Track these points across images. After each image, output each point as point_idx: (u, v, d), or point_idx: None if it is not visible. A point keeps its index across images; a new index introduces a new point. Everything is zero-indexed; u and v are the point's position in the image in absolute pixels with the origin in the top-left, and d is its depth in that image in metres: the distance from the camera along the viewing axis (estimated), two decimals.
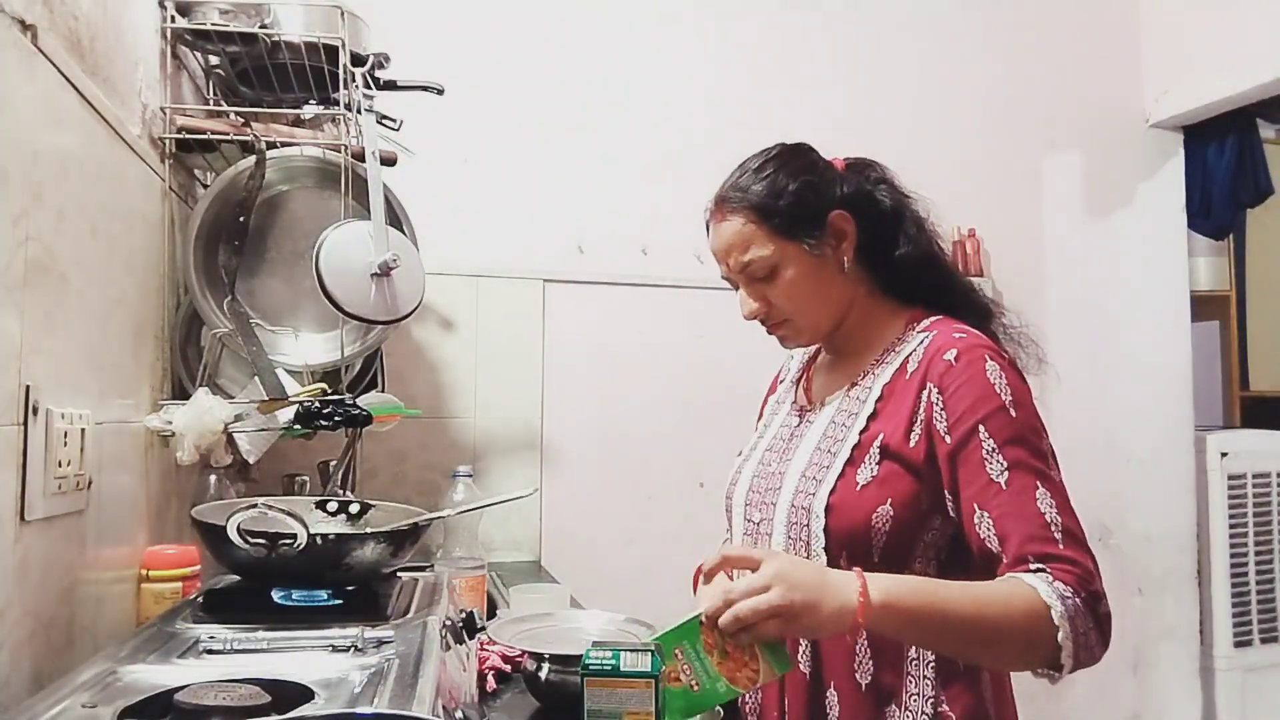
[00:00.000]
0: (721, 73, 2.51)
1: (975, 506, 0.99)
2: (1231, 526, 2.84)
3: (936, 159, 2.60)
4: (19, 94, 0.92)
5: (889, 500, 1.03)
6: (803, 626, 0.90)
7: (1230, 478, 2.85)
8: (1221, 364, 3.35)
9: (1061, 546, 0.96)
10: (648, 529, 2.37)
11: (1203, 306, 3.13)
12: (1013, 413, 1.01)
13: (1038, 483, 0.99)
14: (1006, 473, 0.99)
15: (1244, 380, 3.35)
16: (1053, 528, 0.97)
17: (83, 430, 1.06)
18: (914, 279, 1.15)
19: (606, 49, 2.44)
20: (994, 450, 0.99)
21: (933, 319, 1.12)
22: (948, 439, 1.01)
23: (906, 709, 1.03)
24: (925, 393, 1.04)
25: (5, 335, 0.89)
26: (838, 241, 1.12)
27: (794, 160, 1.14)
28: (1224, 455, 2.85)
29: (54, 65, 1.01)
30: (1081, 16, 2.84)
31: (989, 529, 0.98)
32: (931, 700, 1.03)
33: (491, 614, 1.57)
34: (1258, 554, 2.87)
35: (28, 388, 0.93)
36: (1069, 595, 0.93)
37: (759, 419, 1.33)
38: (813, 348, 1.28)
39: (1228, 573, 2.82)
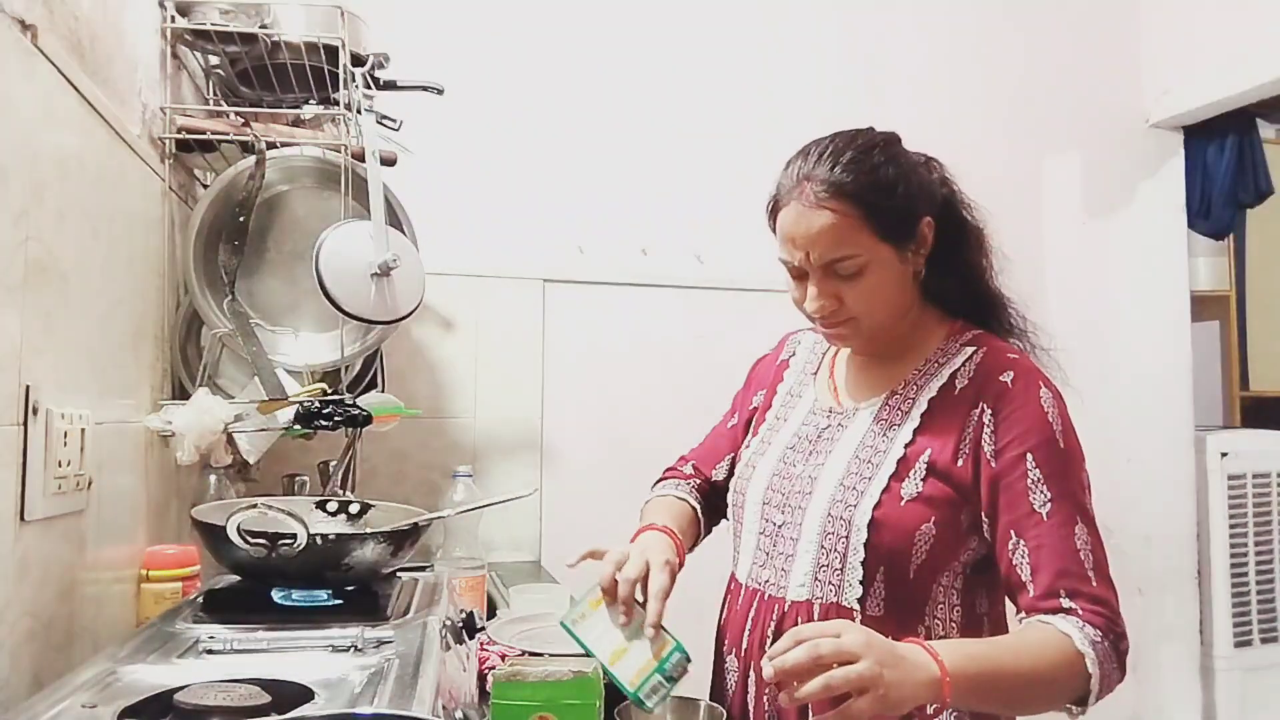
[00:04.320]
0: (722, 73, 2.51)
1: (1012, 533, 0.99)
2: (1231, 526, 2.84)
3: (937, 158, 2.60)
4: (19, 94, 0.92)
5: (932, 519, 1.01)
6: (891, 701, 0.84)
7: (1230, 478, 2.85)
8: (1221, 364, 3.35)
9: (1094, 584, 0.98)
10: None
11: (1203, 306, 3.12)
12: (1061, 444, 1.01)
13: (1078, 518, 0.99)
14: (1049, 504, 0.98)
15: (1244, 380, 3.35)
16: (1086, 565, 0.98)
17: (83, 430, 1.06)
18: (966, 294, 1.13)
19: (607, 49, 2.44)
20: (1039, 481, 0.99)
21: (975, 333, 1.11)
22: (994, 463, 1.01)
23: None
24: (976, 412, 1.03)
25: (5, 335, 0.89)
26: (918, 248, 1.07)
27: (900, 155, 1.07)
28: (1224, 455, 2.85)
29: (54, 65, 1.01)
30: (1081, 16, 2.84)
31: (1023, 558, 0.98)
32: (952, 712, 1.02)
33: (491, 614, 1.57)
34: (1258, 554, 2.87)
35: (28, 388, 0.93)
36: (1099, 640, 0.95)
37: (752, 399, 1.27)
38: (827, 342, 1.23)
39: (1228, 573, 2.82)
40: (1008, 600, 1.06)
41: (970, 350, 1.08)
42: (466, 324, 2.29)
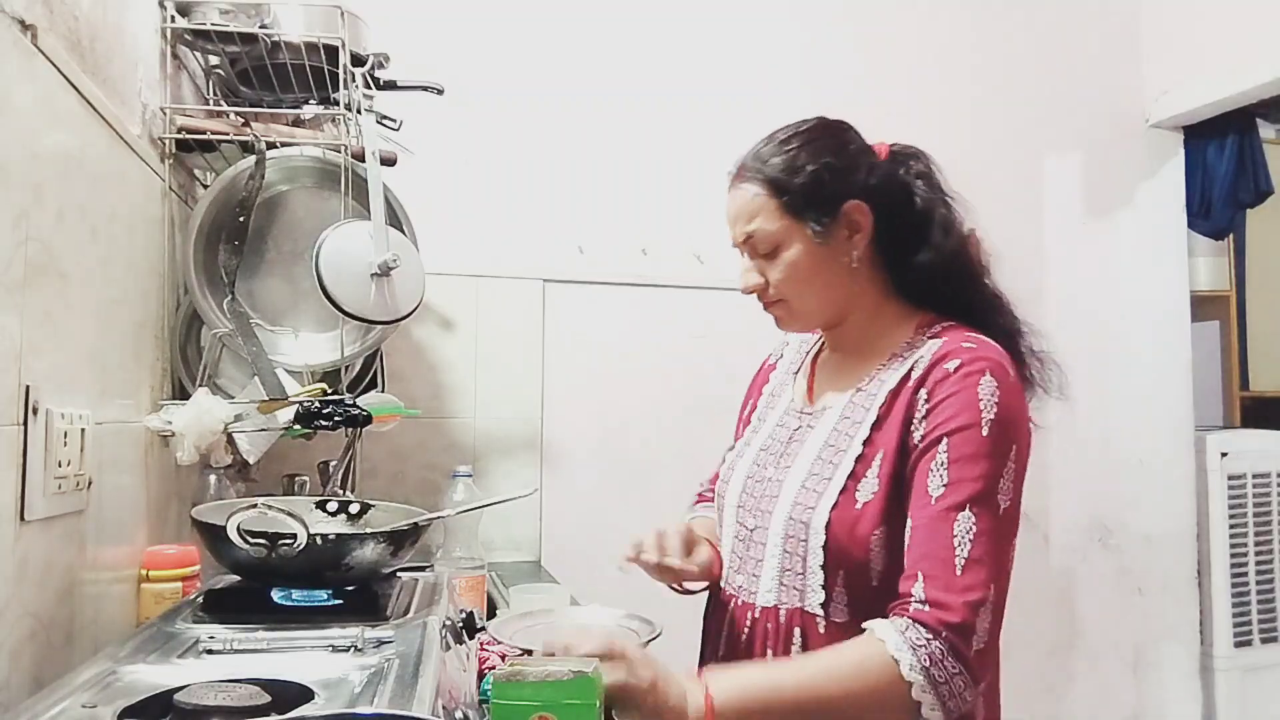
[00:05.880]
0: (721, 72, 2.51)
1: (910, 517, 0.96)
2: (1231, 526, 2.84)
3: (936, 158, 2.60)
4: (19, 94, 0.92)
5: (887, 521, 0.98)
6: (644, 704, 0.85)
7: (1230, 478, 2.85)
8: (1221, 364, 3.35)
9: (956, 573, 0.90)
10: (648, 529, 2.36)
11: (1203, 306, 3.12)
12: (984, 431, 0.95)
13: (968, 506, 0.93)
14: (943, 489, 0.94)
15: (1244, 380, 3.35)
16: (956, 552, 0.91)
17: (83, 430, 1.06)
18: (931, 287, 1.10)
19: (607, 49, 2.44)
20: (943, 465, 0.95)
21: (944, 325, 1.07)
22: (919, 447, 0.98)
23: None
24: (916, 399, 1.00)
25: (5, 335, 0.89)
26: (850, 233, 1.07)
27: (822, 138, 1.09)
28: (1224, 455, 2.85)
29: (54, 65, 1.01)
30: (1081, 16, 2.84)
31: (907, 541, 0.96)
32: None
33: (491, 614, 1.57)
34: (1258, 554, 2.87)
35: (28, 388, 0.93)
36: (923, 643, 0.88)
37: (747, 406, 1.28)
38: (814, 338, 1.23)
39: (1228, 573, 2.82)
40: None
41: (935, 343, 1.04)
42: (466, 324, 2.30)
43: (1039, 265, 2.75)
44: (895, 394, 1.03)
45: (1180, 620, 2.81)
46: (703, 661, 1.18)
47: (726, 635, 1.12)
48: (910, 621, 0.90)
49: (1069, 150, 2.82)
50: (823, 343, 1.21)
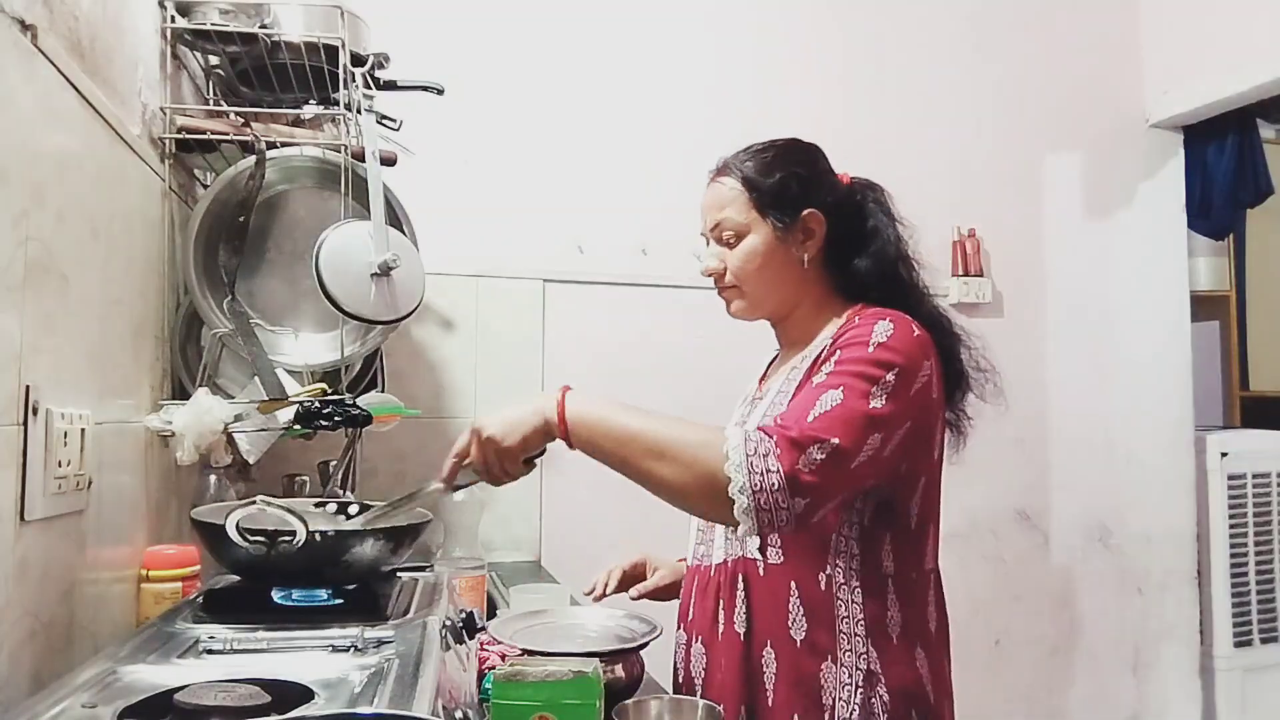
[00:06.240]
0: (722, 73, 2.51)
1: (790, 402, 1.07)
2: (1231, 526, 2.84)
3: (937, 159, 2.60)
4: (19, 94, 0.92)
5: None
6: (497, 424, 1.05)
7: (1230, 478, 2.85)
8: (1221, 364, 3.35)
9: (808, 420, 1.00)
10: (648, 529, 2.35)
11: (1203, 306, 3.13)
12: (869, 349, 1.06)
13: (840, 387, 1.03)
14: (824, 376, 1.06)
15: (1244, 380, 3.35)
16: (813, 408, 1.01)
17: (83, 430, 1.06)
18: (867, 288, 1.21)
19: (607, 49, 2.44)
20: (829, 370, 1.07)
21: (872, 309, 1.17)
22: (818, 369, 1.09)
23: (841, 664, 1.08)
24: (831, 350, 1.11)
25: (5, 335, 0.89)
26: (804, 237, 1.19)
27: (794, 154, 1.23)
28: (1224, 455, 2.85)
29: (54, 65, 1.01)
30: (1081, 17, 2.84)
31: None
32: (864, 656, 1.08)
33: (491, 614, 1.57)
34: (1258, 554, 2.87)
35: (28, 388, 0.93)
36: (754, 439, 0.98)
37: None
38: (775, 354, 1.33)
39: (1228, 573, 2.82)
40: (910, 556, 1.13)
41: (858, 320, 1.14)
42: (466, 324, 2.30)
43: (1039, 265, 2.75)
44: (817, 359, 1.14)
45: (1180, 620, 2.80)
46: (676, 626, 1.27)
47: (696, 601, 1.22)
48: (754, 429, 1.01)
49: (1069, 150, 2.82)
50: (778, 352, 1.33)
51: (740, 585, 1.14)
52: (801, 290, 1.22)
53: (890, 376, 1.04)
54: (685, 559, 1.31)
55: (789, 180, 1.19)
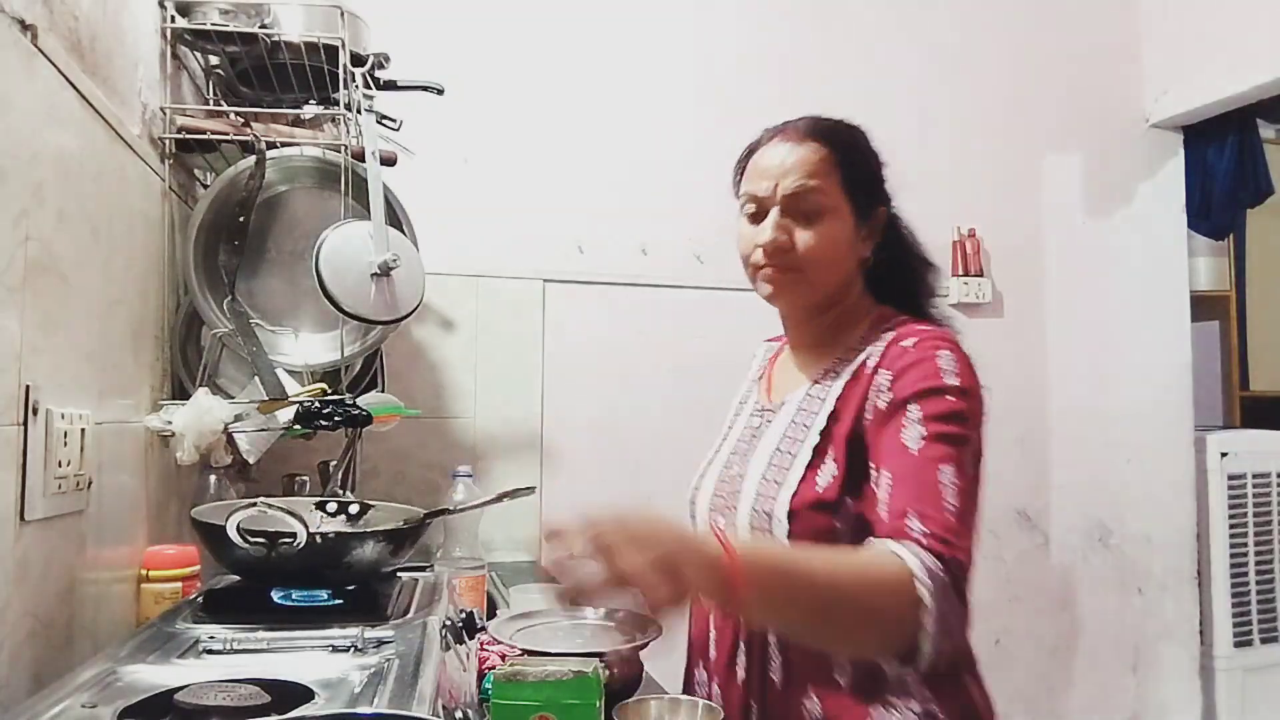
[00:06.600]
0: (722, 73, 2.51)
1: (880, 469, 0.95)
2: (1231, 526, 2.84)
3: (937, 159, 2.60)
4: (19, 94, 0.92)
5: (849, 502, 0.99)
6: (675, 563, 0.78)
7: (1230, 478, 2.85)
8: (1221, 364, 3.35)
9: (949, 517, 0.89)
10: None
11: (1203, 306, 3.12)
12: (950, 396, 0.96)
13: (952, 461, 0.92)
14: (922, 441, 0.94)
15: (1244, 380, 3.35)
16: (944, 499, 0.90)
17: (83, 430, 1.06)
18: (893, 286, 1.15)
19: (607, 49, 2.44)
20: (918, 420, 0.95)
21: (897, 320, 1.10)
22: (883, 411, 0.98)
23: (893, 708, 0.97)
24: (875, 378, 1.01)
25: (5, 335, 0.89)
26: (869, 233, 1.11)
27: (870, 141, 1.14)
28: (1224, 455, 2.85)
29: (54, 65, 1.01)
30: (1081, 16, 2.84)
31: (886, 490, 0.93)
32: (919, 696, 0.97)
33: (491, 614, 1.57)
34: (1258, 554, 2.87)
35: (28, 388, 0.93)
36: (934, 567, 0.85)
37: (726, 420, 1.29)
38: (775, 347, 1.26)
39: (1228, 573, 2.82)
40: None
41: (889, 334, 1.06)
42: (466, 324, 2.29)
43: (1039, 265, 2.75)
44: (851, 384, 1.05)
45: (1180, 620, 2.80)
46: (690, 664, 1.17)
47: (718, 639, 1.11)
48: (919, 546, 0.86)
49: (1069, 150, 2.82)
50: (780, 347, 1.24)
51: (772, 636, 1.04)
52: (848, 288, 1.12)
53: (974, 432, 0.98)
54: None
55: (878, 172, 1.11)
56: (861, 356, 1.06)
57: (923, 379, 0.97)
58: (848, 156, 1.08)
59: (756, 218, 1.10)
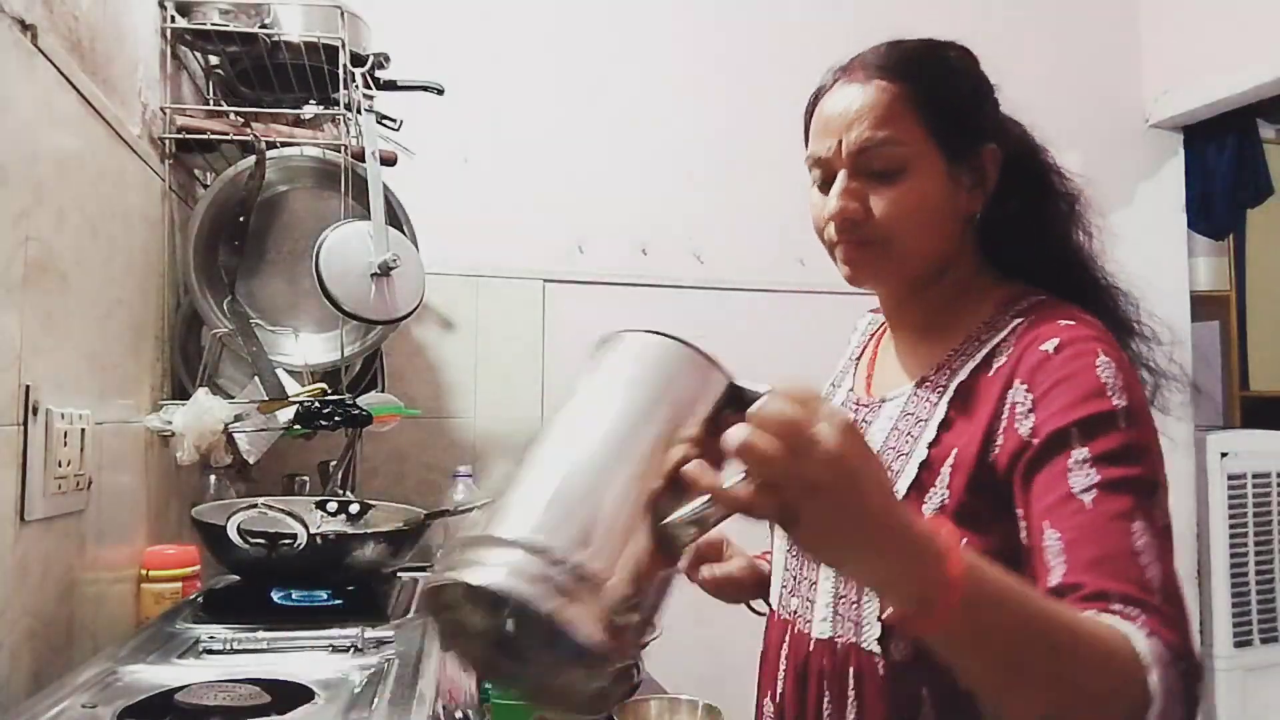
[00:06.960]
0: (722, 72, 2.51)
1: (1045, 525, 0.73)
2: (1231, 526, 2.83)
3: None
4: (19, 94, 0.92)
5: (963, 540, 0.71)
6: (834, 508, 0.56)
7: (1230, 478, 2.85)
8: (1221, 364, 3.35)
9: (1157, 598, 0.68)
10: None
11: (1203, 306, 3.12)
12: (1123, 423, 0.75)
13: (1138, 516, 0.71)
14: (1095, 490, 0.72)
15: (1244, 380, 3.34)
16: (1147, 574, 0.69)
17: (83, 430, 1.06)
18: (1035, 267, 0.92)
19: (607, 49, 2.44)
20: (1085, 460, 0.73)
21: (1032, 300, 0.87)
22: (1033, 442, 0.76)
23: None
24: (1011, 392, 0.80)
25: (5, 335, 0.89)
26: (974, 181, 0.88)
27: (973, 63, 0.93)
28: (1224, 455, 2.84)
29: (54, 65, 1.01)
30: (1081, 17, 2.84)
31: (1056, 556, 0.71)
32: None
33: None
34: (1258, 554, 2.87)
35: (28, 388, 0.93)
36: (1168, 660, 0.65)
37: None
38: (878, 324, 1.03)
39: (1228, 573, 2.82)
40: None
41: (1018, 322, 0.84)
42: (466, 324, 2.29)
43: None
44: (970, 387, 0.84)
45: None
46: (761, 691, 0.99)
47: (786, 670, 0.93)
48: (1149, 630, 0.66)
49: (1068, 150, 2.77)
50: (883, 327, 1.01)
51: (852, 682, 0.84)
52: (954, 254, 0.89)
53: (1161, 466, 0.77)
54: (765, 555, 1.04)
55: (976, 98, 0.89)
56: (984, 351, 0.85)
57: (1081, 402, 0.76)
58: (929, 89, 0.87)
59: (825, 179, 0.89)
